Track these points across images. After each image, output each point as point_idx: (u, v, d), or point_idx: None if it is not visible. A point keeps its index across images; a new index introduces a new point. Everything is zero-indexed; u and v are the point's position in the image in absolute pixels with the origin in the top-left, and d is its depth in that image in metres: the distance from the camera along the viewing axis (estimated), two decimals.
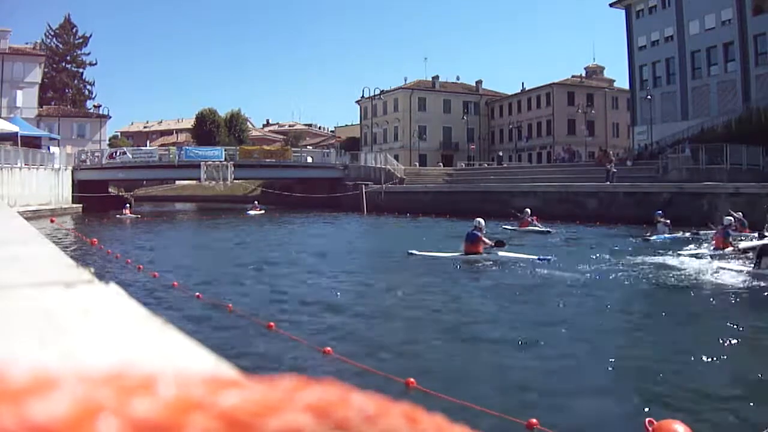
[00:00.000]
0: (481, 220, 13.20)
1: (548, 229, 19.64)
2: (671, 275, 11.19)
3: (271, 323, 6.97)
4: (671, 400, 4.86)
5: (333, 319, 7.94)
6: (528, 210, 20.83)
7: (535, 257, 12.45)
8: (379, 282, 11.01)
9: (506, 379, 5.53)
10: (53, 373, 0.28)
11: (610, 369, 5.75)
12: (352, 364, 5.58)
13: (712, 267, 11.37)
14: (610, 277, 11.27)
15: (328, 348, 6.05)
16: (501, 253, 12.81)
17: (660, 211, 17.63)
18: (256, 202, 37.01)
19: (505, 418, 4.24)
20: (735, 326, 7.20)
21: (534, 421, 4.16)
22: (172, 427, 0.27)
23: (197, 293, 8.90)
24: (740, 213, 16.68)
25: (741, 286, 9.89)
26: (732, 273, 10.64)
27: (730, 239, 13.99)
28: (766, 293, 9.21)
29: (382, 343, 6.81)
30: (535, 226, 20.10)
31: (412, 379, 5.01)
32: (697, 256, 13.40)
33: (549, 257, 12.44)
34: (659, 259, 13.11)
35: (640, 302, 9.21)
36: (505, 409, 4.44)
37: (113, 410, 0.27)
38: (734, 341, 6.55)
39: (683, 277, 11.01)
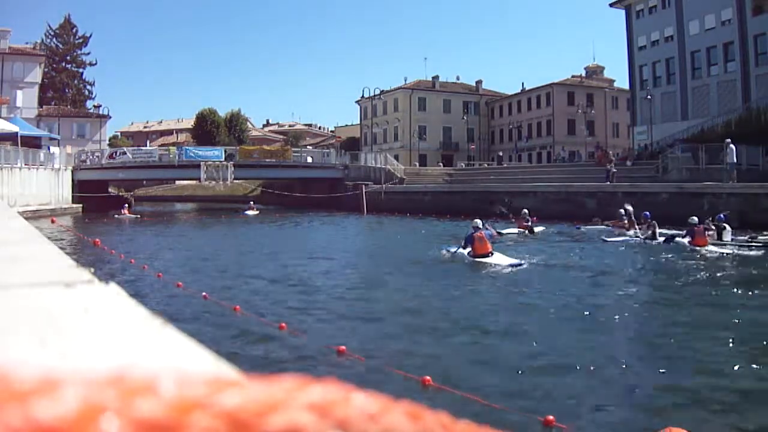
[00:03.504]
0: (479, 221, 13.22)
1: (539, 229, 19.94)
2: (680, 274, 11.26)
3: (283, 324, 6.94)
4: (686, 401, 4.85)
5: (344, 319, 7.92)
6: (526, 210, 20.70)
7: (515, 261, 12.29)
8: (386, 281, 10.97)
9: (523, 376, 5.52)
10: (57, 375, 0.29)
11: (628, 368, 5.72)
12: (368, 362, 5.57)
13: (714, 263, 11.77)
14: (621, 277, 11.31)
15: (342, 347, 6.04)
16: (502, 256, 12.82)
17: (647, 213, 17.65)
18: (252, 203, 37.27)
19: (522, 414, 4.25)
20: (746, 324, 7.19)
21: (551, 418, 4.17)
22: (174, 426, 0.27)
23: (203, 293, 8.87)
24: (631, 207, 18.46)
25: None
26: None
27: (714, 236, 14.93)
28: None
29: (397, 341, 6.78)
30: (536, 226, 20.11)
31: (428, 377, 5.01)
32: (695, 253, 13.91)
33: (522, 263, 12.20)
34: (662, 257, 13.22)
35: (653, 300, 9.14)
36: (522, 406, 4.44)
37: (116, 410, 0.27)
38: (750, 342, 6.51)
39: (695, 274, 11.10)
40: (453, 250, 13.40)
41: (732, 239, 15.23)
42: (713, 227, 15.43)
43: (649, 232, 16.53)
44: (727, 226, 15.42)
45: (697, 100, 36.90)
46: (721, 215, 15.82)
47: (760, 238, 15.48)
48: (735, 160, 23.58)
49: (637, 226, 17.23)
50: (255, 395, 0.30)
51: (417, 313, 8.29)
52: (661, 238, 15.91)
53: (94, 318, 0.81)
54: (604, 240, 17.09)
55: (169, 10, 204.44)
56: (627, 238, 17.01)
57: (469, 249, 12.74)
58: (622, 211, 18.93)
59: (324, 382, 0.33)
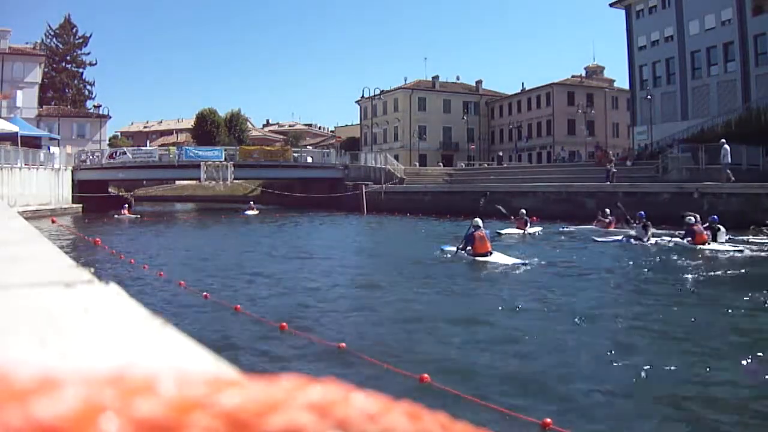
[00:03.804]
0: (479, 220, 13.24)
1: (536, 229, 20.13)
2: (680, 274, 11.26)
3: (283, 323, 6.95)
4: (687, 406, 4.84)
5: (344, 319, 7.92)
6: (523, 210, 20.66)
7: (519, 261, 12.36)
8: (386, 281, 10.95)
9: (521, 377, 5.52)
10: (57, 374, 0.29)
11: (627, 370, 5.70)
12: (367, 359, 5.58)
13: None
14: (620, 278, 11.29)
15: (343, 344, 6.06)
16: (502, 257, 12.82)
17: (642, 213, 17.64)
18: (251, 203, 37.29)
19: (519, 417, 4.24)
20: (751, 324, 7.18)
21: (548, 420, 4.16)
22: (174, 426, 0.27)
23: (204, 293, 8.87)
24: (621, 208, 19.03)
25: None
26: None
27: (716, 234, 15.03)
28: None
29: (396, 339, 6.78)
30: (532, 226, 20.16)
31: (426, 375, 5.00)
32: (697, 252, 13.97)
33: (523, 262, 12.34)
34: (662, 257, 13.23)
35: (652, 302, 9.11)
36: (519, 408, 4.43)
37: (116, 410, 0.27)
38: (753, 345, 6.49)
39: (695, 274, 11.11)
40: (449, 249, 13.43)
41: (728, 239, 15.19)
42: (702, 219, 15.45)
43: (648, 232, 16.54)
44: (721, 227, 15.33)
45: (697, 100, 36.90)
46: (714, 216, 15.73)
47: (753, 238, 15.45)
48: (729, 160, 23.55)
49: (632, 225, 17.22)
50: (255, 395, 0.30)
51: (416, 312, 8.28)
52: (655, 239, 15.92)
53: (94, 318, 0.81)
54: (594, 240, 17.13)
55: (169, 10, 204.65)
56: (618, 237, 17.00)
57: (469, 248, 12.78)
58: (608, 210, 19.41)
59: (324, 382, 0.32)
